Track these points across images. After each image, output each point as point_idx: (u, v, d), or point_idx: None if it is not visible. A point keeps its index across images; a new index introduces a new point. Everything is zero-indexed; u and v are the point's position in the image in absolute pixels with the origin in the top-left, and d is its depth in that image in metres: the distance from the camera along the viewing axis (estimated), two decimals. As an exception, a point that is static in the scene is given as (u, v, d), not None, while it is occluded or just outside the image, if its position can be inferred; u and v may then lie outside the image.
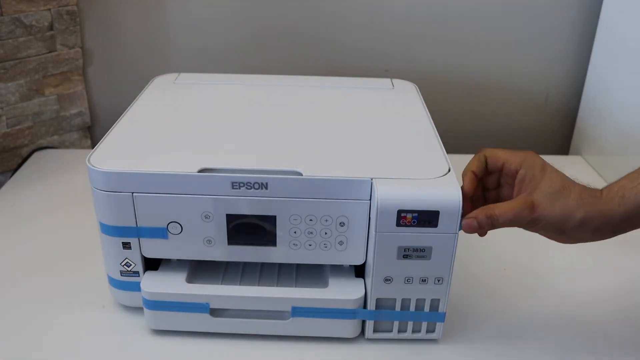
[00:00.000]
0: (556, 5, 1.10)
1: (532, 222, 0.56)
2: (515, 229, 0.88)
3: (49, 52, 1.03)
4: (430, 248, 0.60)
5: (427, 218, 0.59)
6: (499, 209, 0.56)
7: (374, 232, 0.60)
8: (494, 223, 0.56)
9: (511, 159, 0.59)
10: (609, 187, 0.57)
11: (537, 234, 0.87)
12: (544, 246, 0.85)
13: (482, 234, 0.58)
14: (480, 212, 0.57)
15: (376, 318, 0.65)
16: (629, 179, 0.57)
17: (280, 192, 0.60)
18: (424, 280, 0.62)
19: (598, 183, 1.01)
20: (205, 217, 0.62)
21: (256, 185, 0.60)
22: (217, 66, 1.13)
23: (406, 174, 0.61)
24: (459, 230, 0.59)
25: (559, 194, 0.56)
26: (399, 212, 0.58)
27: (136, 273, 0.66)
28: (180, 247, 0.64)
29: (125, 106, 0.76)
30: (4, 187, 0.97)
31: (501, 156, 0.60)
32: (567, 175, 0.59)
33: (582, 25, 1.11)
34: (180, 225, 0.63)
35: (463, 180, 0.61)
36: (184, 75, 0.88)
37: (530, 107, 1.18)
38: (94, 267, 0.73)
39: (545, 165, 0.58)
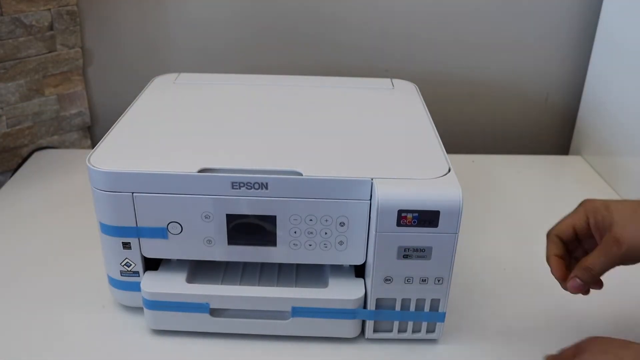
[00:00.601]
0: (556, 5, 1.10)
1: (624, 256, 0.57)
2: (513, 230, 0.88)
3: (49, 52, 1.03)
4: (431, 248, 0.60)
5: (427, 218, 0.59)
6: (590, 258, 0.58)
7: (374, 232, 0.60)
8: (592, 273, 0.58)
9: (576, 218, 0.60)
10: None
11: (534, 236, 0.88)
12: (543, 246, 0.85)
13: (587, 291, 0.60)
14: (576, 270, 0.59)
15: (376, 318, 0.65)
16: None
17: (280, 192, 0.60)
18: (424, 280, 0.62)
19: (598, 183, 1.02)
20: (205, 217, 0.62)
21: (256, 185, 0.60)
22: (217, 66, 1.13)
23: (406, 174, 0.61)
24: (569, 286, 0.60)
25: (634, 218, 0.57)
26: (399, 212, 0.58)
27: (136, 273, 0.66)
28: (180, 247, 0.64)
29: (125, 106, 0.76)
30: (4, 187, 0.97)
31: (568, 224, 0.60)
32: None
33: (582, 25, 1.11)
34: (180, 225, 0.63)
35: (550, 266, 0.61)
36: (184, 75, 0.88)
37: (530, 107, 1.18)
38: (94, 267, 0.73)
39: (607, 203, 0.59)
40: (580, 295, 0.75)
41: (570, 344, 0.58)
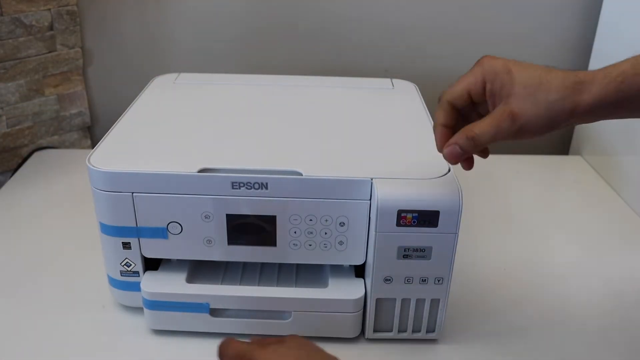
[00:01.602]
0: (556, 4, 1.10)
1: (517, 132, 0.50)
2: (513, 230, 0.88)
3: (49, 52, 1.03)
4: (430, 248, 0.60)
5: (427, 218, 0.59)
6: (478, 127, 0.51)
7: (374, 232, 0.60)
8: (476, 143, 0.51)
9: (472, 82, 0.52)
10: (606, 70, 0.49)
11: (534, 236, 0.88)
12: (543, 246, 0.85)
13: (468, 164, 0.55)
14: (459, 136, 0.52)
15: (376, 318, 0.65)
16: (631, 66, 0.49)
17: (280, 192, 0.60)
18: (424, 280, 0.62)
19: (598, 183, 1.02)
20: (205, 217, 0.62)
21: (256, 185, 0.60)
22: (217, 66, 1.13)
23: (406, 174, 0.61)
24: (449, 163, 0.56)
25: (538, 91, 0.49)
26: (399, 212, 0.58)
27: (136, 273, 0.66)
28: (180, 247, 0.64)
29: (125, 106, 0.76)
30: (4, 187, 0.97)
31: (461, 89, 0.53)
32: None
33: (582, 24, 1.11)
34: (180, 225, 0.63)
35: (435, 136, 0.56)
36: (184, 75, 0.88)
37: (530, 107, 1.18)
38: (94, 267, 0.73)
39: (509, 67, 0.51)
40: (581, 294, 0.76)
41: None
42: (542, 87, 0.49)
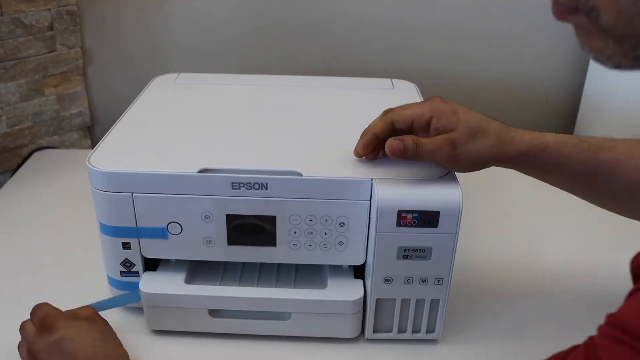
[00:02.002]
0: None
1: (451, 158, 0.58)
2: (513, 230, 0.88)
3: (49, 52, 1.03)
4: (430, 248, 0.60)
5: (427, 218, 0.59)
6: (424, 139, 0.59)
7: (374, 233, 0.60)
8: (418, 149, 0.58)
9: (420, 113, 0.60)
10: (533, 135, 0.61)
11: (534, 236, 0.87)
12: (543, 246, 0.85)
13: (403, 158, 0.60)
14: (407, 137, 0.59)
15: (376, 318, 0.65)
16: (555, 142, 0.62)
17: (280, 192, 0.60)
18: (424, 281, 0.62)
19: (598, 183, 1.02)
20: (205, 217, 0.62)
21: (256, 186, 0.60)
22: (217, 66, 1.13)
23: (406, 174, 0.61)
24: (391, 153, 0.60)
25: (478, 134, 0.58)
26: (399, 212, 0.58)
27: (136, 273, 0.66)
28: (180, 248, 0.64)
29: (125, 106, 0.76)
30: (4, 187, 0.97)
31: (408, 114, 0.60)
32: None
33: (582, 25, 1.11)
34: (180, 225, 0.63)
35: (362, 137, 0.62)
36: (184, 75, 0.88)
37: (530, 107, 1.18)
38: (94, 267, 0.73)
39: (456, 109, 0.60)
40: (580, 294, 0.76)
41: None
42: (483, 131, 0.59)
